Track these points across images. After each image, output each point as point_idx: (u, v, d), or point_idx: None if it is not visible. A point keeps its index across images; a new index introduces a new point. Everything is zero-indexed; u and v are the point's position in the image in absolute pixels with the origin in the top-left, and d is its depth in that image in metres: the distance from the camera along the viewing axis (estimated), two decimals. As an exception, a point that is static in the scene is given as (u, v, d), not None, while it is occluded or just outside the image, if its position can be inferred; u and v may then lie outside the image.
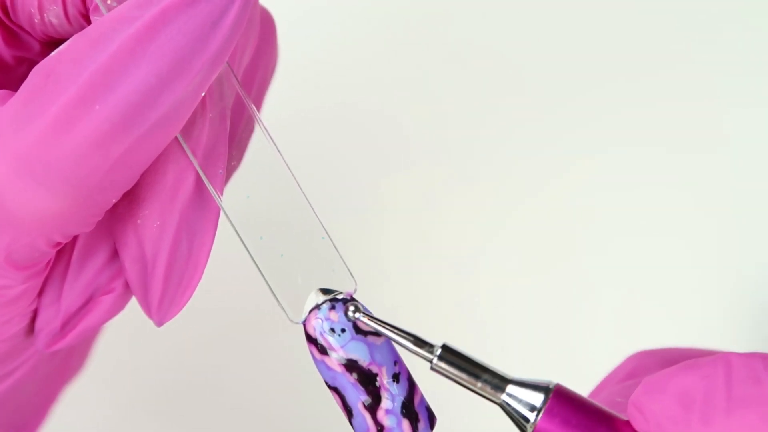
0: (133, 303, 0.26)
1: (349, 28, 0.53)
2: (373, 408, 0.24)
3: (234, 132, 0.25)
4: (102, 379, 0.42)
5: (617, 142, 0.51)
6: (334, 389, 0.24)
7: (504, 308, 0.49)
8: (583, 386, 0.46)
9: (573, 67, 0.52)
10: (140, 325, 0.28)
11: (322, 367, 0.24)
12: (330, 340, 0.24)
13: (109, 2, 0.22)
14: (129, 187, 0.23)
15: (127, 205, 0.24)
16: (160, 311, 0.25)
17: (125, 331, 0.28)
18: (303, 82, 0.50)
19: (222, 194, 0.24)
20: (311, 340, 0.24)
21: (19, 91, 0.22)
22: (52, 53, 0.22)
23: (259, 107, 0.29)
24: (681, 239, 0.49)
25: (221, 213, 0.24)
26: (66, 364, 0.32)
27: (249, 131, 0.25)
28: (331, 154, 0.49)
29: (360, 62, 0.52)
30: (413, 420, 0.24)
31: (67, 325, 0.26)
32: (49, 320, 0.26)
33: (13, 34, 0.25)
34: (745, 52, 0.51)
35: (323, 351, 0.24)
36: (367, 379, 0.24)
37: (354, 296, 0.24)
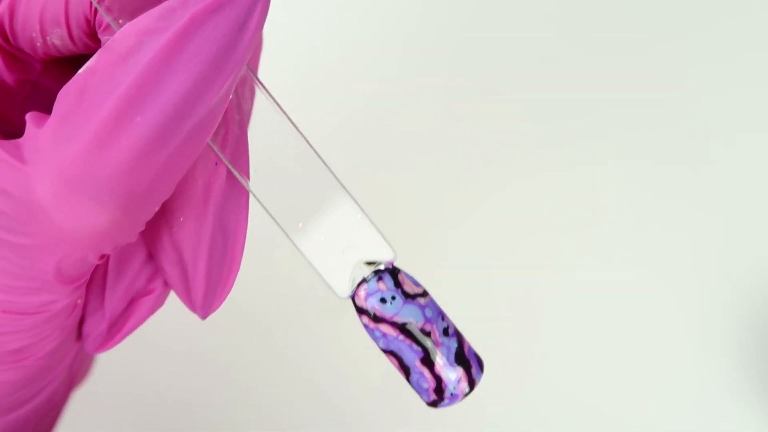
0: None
1: (369, 26, 0.52)
2: (430, 363, 0.25)
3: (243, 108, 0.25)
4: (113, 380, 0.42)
5: (621, 145, 0.52)
6: (390, 352, 0.25)
7: (507, 307, 0.50)
8: (586, 385, 0.48)
9: (584, 70, 0.52)
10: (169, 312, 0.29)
11: (377, 334, 0.25)
12: (383, 309, 0.25)
13: (120, 21, 0.22)
14: (168, 196, 0.23)
15: (159, 214, 0.24)
16: (204, 306, 0.25)
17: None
18: (310, 81, 0.49)
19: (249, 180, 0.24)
20: (363, 311, 0.25)
21: (53, 112, 0.21)
22: (80, 71, 0.21)
23: (256, 66, 0.28)
24: (681, 242, 0.51)
25: (261, 208, 0.24)
26: (79, 368, 0.32)
27: (251, 99, 0.25)
28: (335, 152, 0.49)
29: (378, 53, 0.52)
30: (467, 368, 0.26)
31: (113, 328, 0.26)
32: (95, 325, 0.26)
33: (15, 58, 0.24)
34: (743, 56, 0.53)
35: (377, 320, 0.25)
36: (423, 338, 0.25)
37: (395, 264, 0.26)
